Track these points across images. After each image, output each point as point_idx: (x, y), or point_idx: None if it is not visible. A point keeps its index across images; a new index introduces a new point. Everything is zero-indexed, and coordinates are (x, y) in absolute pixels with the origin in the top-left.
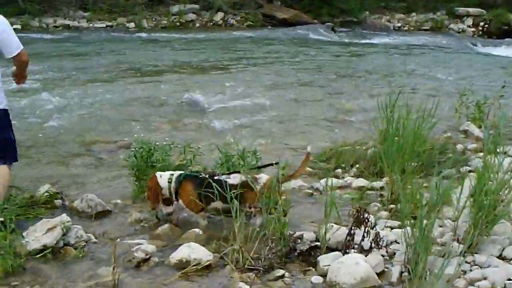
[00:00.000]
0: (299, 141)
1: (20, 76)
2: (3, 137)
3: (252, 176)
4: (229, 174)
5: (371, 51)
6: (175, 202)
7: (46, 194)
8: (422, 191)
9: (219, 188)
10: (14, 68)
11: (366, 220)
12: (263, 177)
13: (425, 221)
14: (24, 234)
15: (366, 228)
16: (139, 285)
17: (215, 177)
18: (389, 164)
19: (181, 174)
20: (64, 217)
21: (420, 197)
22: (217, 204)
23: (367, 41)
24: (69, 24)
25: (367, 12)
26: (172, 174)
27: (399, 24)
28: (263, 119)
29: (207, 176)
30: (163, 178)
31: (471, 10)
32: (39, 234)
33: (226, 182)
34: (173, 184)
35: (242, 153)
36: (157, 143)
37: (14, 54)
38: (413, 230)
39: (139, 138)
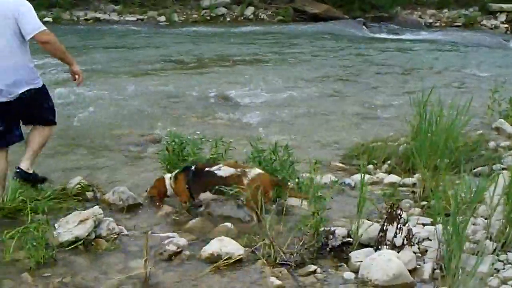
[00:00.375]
0: (331, 136)
1: (71, 72)
2: (48, 106)
3: (241, 169)
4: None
5: (402, 47)
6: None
7: (77, 186)
8: (456, 188)
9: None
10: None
11: (399, 217)
12: (253, 171)
13: (459, 218)
14: (56, 225)
15: (399, 225)
16: (170, 278)
17: (206, 169)
18: (421, 161)
19: (178, 170)
20: (96, 209)
21: (457, 194)
22: (206, 195)
23: (398, 37)
24: (99, 17)
25: (399, 8)
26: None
27: (430, 20)
28: (293, 114)
29: (199, 167)
30: (167, 178)
31: (505, 6)
32: (71, 226)
33: (216, 174)
34: (172, 179)
35: (274, 148)
36: (189, 137)
37: (33, 34)
38: (446, 228)
39: (171, 132)
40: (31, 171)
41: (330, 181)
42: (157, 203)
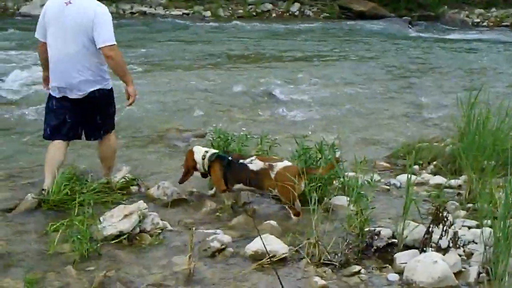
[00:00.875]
0: (376, 135)
1: (127, 92)
2: (112, 111)
3: (269, 163)
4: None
5: (448, 47)
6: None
7: (122, 180)
8: (505, 191)
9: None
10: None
11: (445, 219)
12: (279, 164)
13: (508, 222)
14: (101, 219)
15: (445, 227)
16: (214, 275)
17: (240, 161)
18: (468, 162)
19: (214, 154)
20: (141, 203)
21: (508, 197)
22: (240, 186)
23: (445, 36)
24: (145, 11)
25: (446, 7)
26: (207, 152)
27: (478, 20)
28: (338, 112)
29: (234, 159)
30: (198, 153)
31: None
32: (116, 220)
33: (247, 166)
34: (206, 161)
35: (320, 146)
36: (234, 133)
37: (100, 46)
38: (493, 231)
39: (216, 128)
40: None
41: (375, 181)
42: (183, 175)
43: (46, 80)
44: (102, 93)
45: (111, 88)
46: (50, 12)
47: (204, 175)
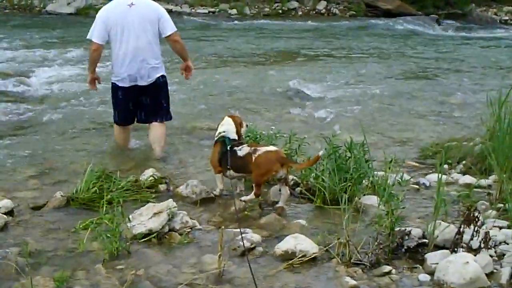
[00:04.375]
0: (404, 134)
1: (185, 68)
2: (168, 99)
3: (254, 148)
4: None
5: (477, 45)
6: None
7: (150, 178)
8: None
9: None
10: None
11: (476, 219)
12: (262, 149)
13: None
14: (130, 217)
15: (476, 227)
16: (244, 274)
17: (234, 148)
18: (498, 162)
19: (220, 135)
20: (171, 202)
21: None
22: (231, 172)
23: (473, 34)
24: (171, 9)
25: (473, 4)
26: (222, 132)
27: (506, 17)
28: (366, 110)
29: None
30: (219, 128)
31: None
32: (145, 218)
33: (236, 153)
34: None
35: (350, 145)
36: (263, 132)
37: (169, 34)
38: None
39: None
40: None
41: (404, 180)
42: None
43: (92, 81)
44: (164, 79)
45: (166, 76)
46: (114, 16)
47: None
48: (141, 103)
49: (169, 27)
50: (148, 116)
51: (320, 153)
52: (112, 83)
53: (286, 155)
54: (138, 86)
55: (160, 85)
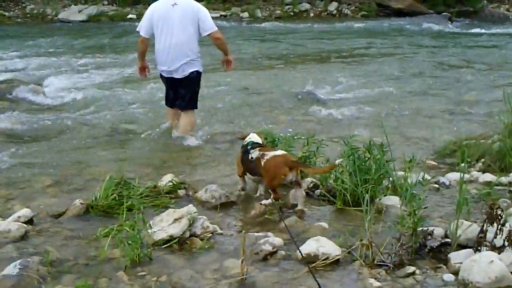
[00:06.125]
0: (421, 133)
1: (225, 61)
2: (198, 90)
3: (263, 152)
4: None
5: (489, 42)
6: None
7: (169, 184)
8: None
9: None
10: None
11: (499, 217)
12: (271, 153)
13: None
14: (151, 223)
15: (499, 225)
16: (267, 279)
17: (251, 150)
18: None
19: (247, 142)
20: (191, 207)
21: None
22: (248, 175)
23: (485, 31)
24: None
25: (485, 1)
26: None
27: None
28: (382, 111)
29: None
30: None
31: None
32: (166, 224)
33: (250, 156)
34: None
35: (368, 146)
36: (281, 134)
37: (209, 33)
38: None
39: (263, 129)
40: None
41: (425, 180)
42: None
43: (142, 69)
44: (198, 74)
45: (201, 72)
46: (158, 13)
47: None
48: (178, 92)
49: (209, 26)
50: (181, 104)
51: (337, 161)
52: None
53: (296, 159)
54: (174, 78)
55: (193, 79)
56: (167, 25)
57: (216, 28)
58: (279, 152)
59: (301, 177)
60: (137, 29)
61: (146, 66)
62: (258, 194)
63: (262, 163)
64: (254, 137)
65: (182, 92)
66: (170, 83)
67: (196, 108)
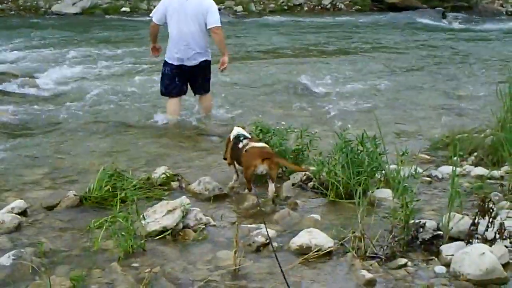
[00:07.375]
0: (413, 127)
1: (221, 61)
2: (209, 77)
3: (247, 142)
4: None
5: (483, 37)
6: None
7: (163, 176)
8: None
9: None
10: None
11: (491, 210)
12: (250, 144)
13: None
14: (144, 215)
15: (490, 218)
16: (259, 270)
17: (240, 140)
18: (510, 153)
19: (238, 134)
20: (184, 199)
21: None
22: (237, 165)
23: (479, 26)
24: None
25: None
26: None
27: None
28: (374, 105)
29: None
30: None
31: None
32: (159, 216)
33: (238, 146)
34: None
35: (361, 139)
36: (276, 127)
37: (210, 27)
38: None
39: (257, 122)
40: None
41: (418, 173)
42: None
43: (153, 49)
44: (207, 63)
45: (211, 60)
46: (172, 5)
47: None
48: (190, 79)
49: (213, 21)
50: (196, 89)
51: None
52: (165, 60)
53: (272, 152)
54: (185, 66)
55: (204, 67)
56: (181, 17)
57: (219, 25)
58: (259, 144)
59: (290, 173)
60: (151, 15)
61: (159, 46)
62: (232, 183)
63: (242, 153)
64: (240, 130)
65: (199, 80)
66: (180, 71)
67: (210, 90)
